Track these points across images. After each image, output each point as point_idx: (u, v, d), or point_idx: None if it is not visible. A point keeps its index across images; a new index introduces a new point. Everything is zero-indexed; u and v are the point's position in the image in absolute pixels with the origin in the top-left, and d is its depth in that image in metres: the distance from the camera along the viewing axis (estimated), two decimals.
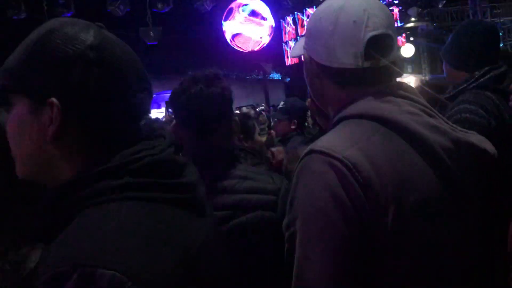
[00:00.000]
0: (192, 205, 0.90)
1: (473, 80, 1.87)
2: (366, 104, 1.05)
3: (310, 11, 18.06)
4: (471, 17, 14.14)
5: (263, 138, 5.88)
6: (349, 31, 1.06)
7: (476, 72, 1.89)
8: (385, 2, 14.09)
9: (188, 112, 1.61)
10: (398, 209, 0.94)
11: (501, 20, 15.91)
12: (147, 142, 0.90)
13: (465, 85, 1.90)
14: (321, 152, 0.99)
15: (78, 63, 0.83)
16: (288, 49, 20.46)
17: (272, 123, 4.31)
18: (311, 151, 1.02)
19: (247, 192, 1.52)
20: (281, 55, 20.87)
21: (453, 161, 1.01)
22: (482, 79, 1.86)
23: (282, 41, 20.24)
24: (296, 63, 20.28)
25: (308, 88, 1.24)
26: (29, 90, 0.85)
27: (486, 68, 1.88)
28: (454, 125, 1.08)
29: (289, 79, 24.58)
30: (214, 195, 1.49)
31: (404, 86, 1.12)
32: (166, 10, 11.72)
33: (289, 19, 19.48)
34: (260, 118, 8.54)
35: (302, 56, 1.24)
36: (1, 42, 14.51)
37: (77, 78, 0.83)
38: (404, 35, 15.99)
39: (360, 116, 1.04)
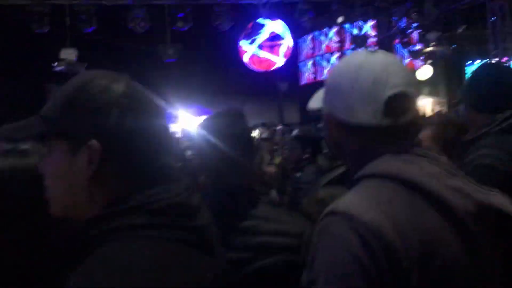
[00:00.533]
0: (202, 246, 0.97)
1: (495, 123, 1.84)
2: (387, 164, 1.05)
3: (328, 30, 18.18)
4: (490, 42, 14.08)
5: (276, 160, 5.84)
6: (369, 89, 1.07)
7: (499, 115, 1.86)
8: (404, 25, 14.13)
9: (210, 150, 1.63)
10: (421, 275, 0.93)
11: None
12: (165, 185, 0.97)
13: (487, 128, 1.87)
14: (343, 215, 1.00)
15: (114, 109, 0.94)
16: (305, 69, 20.56)
17: (284, 150, 4.26)
18: (333, 213, 1.04)
19: (270, 234, 1.49)
20: (296, 73, 20.98)
21: (476, 226, 1.00)
22: (505, 123, 1.83)
23: (298, 61, 20.35)
24: (312, 82, 20.36)
25: (328, 140, 1.25)
26: (70, 135, 0.95)
27: (509, 112, 1.86)
28: (477, 184, 1.07)
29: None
30: (236, 236, 1.48)
31: (424, 145, 1.14)
32: (186, 28, 11.87)
33: (307, 38, 19.61)
34: (275, 139, 8.50)
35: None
36: (24, 54, 14.85)
37: (113, 122, 0.94)
38: (422, 58, 15.95)
39: (381, 176, 1.04)
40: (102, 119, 0.93)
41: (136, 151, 0.96)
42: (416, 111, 1.12)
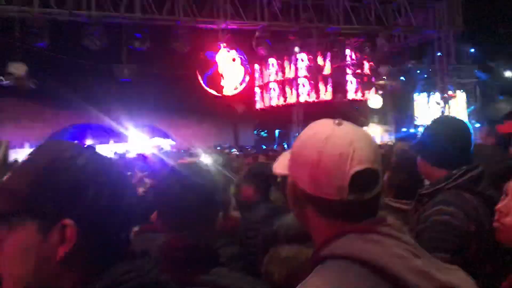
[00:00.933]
0: None
1: (451, 179, 1.86)
2: (353, 245, 1.04)
3: (284, 58, 18.52)
4: (437, 76, 14.78)
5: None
6: (335, 163, 1.06)
7: (454, 171, 1.88)
8: (357, 58, 14.64)
9: (164, 202, 1.54)
10: None
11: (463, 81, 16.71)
12: (133, 262, 0.93)
13: (443, 184, 1.88)
14: None
15: (90, 186, 0.90)
16: (260, 94, 20.78)
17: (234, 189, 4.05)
18: None
19: None
20: (252, 97, 21.16)
21: None
22: (460, 180, 1.85)
23: (255, 85, 20.57)
24: (267, 107, 20.59)
25: (291, 209, 1.22)
26: (40, 213, 0.88)
27: (464, 168, 1.88)
28: (438, 263, 1.08)
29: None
30: None
31: (389, 223, 1.11)
32: (143, 48, 11.74)
33: (264, 64, 19.88)
34: (235, 164, 8.42)
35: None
36: None
37: (89, 200, 0.89)
38: (374, 88, 16.54)
39: (346, 258, 1.04)
40: (78, 197, 0.88)
41: (109, 227, 0.92)
42: (380, 186, 1.11)
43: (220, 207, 1.63)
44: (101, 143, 15.95)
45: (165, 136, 19.88)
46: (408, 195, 2.35)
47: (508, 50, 19.22)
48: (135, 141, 16.44)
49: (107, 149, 14.70)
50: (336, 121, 1.15)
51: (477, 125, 15.73)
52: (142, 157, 11.56)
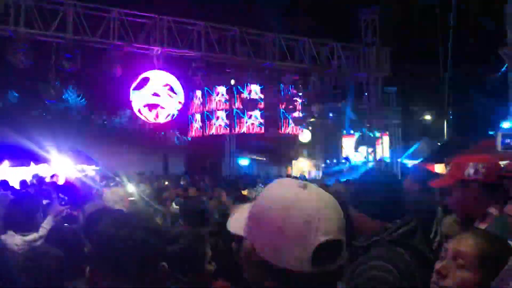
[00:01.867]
0: None
1: (385, 233, 1.85)
2: None
3: (219, 88, 18.65)
4: (367, 115, 15.49)
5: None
6: (299, 232, 0.99)
7: (389, 225, 1.86)
8: (289, 93, 15.03)
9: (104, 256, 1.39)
10: None
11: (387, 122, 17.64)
12: None
13: (377, 237, 1.85)
14: None
15: None
16: (194, 122, 20.64)
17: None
18: None
19: None
20: (185, 125, 20.98)
21: None
22: (395, 234, 1.84)
23: (188, 113, 20.44)
24: (199, 137, 20.47)
25: (246, 273, 1.10)
26: None
27: (398, 222, 1.87)
28: None
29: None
30: None
31: None
32: (73, 69, 11.29)
33: (198, 93, 19.85)
34: (165, 194, 8.14)
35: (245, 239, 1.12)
36: None
37: None
38: (305, 124, 17.00)
39: None
40: None
41: None
42: (344, 257, 1.04)
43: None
44: (20, 165, 14.93)
45: (90, 161, 19.03)
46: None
47: (427, 95, 20.67)
48: (58, 165, 15.56)
49: (26, 172, 13.76)
50: (301, 184, 1.06)
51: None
52: (66, 182, 10.95)
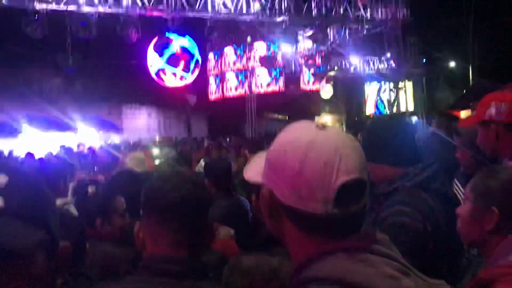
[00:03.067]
0: None
1: (407, 178, 1.82)
2: (341, 266, 0.94)
3: (233, 48, 18.40)
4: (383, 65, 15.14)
5: None
6: (319, 173, 0.95)
7: (410, 169, 1.84)
8: (309, 49, 14.74)
9: None
10: None
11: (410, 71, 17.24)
12: None
13: (400, 182, 1.83)
14: None
15: None
16: (213, 83, 20.56)
17: None
18: None
19: None
20: (205, 88, 20.93)
21: None
22: (416, 178, 1.82)
23: (207, 75, 20.33)
24: (220, 99, 20.43)
25: (266, 222, 1.07)
26: None
27: (420, 165, 1.85)
28: (427, 281, 1.02)
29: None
30: None
31: (377, 238, 1.01)
32: (88, 37, 11.28)
33: (212, 55, 19.67)
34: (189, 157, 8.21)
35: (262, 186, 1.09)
36: None
37: None
38: (325, 78, 16.74)
39: (335, 282, 0.93)
40: None
41: None
42: (367, 197, 1.01)
43: None
44: (47, 130, 15.29)
45: (114, 128, 19.31)
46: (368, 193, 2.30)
47: (451, 42, 19.98)
48: (83, 133, 15.87)
49: (54, 141, 14.10)
50: (319, 125, 1.02)
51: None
52: (91, 151, 11.19)
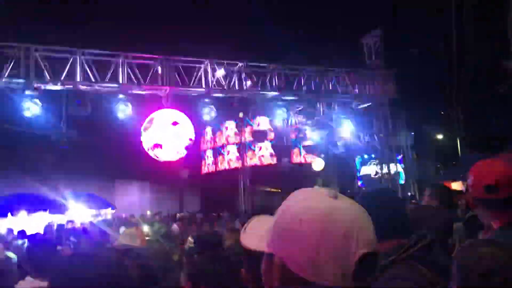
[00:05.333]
0: None
1: (402, 250, 1.77)
2: None
3: (228, 123, 18.75)
4: (373, 139, 15.38)
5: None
6: (338, 245, 0.91)
7: (404, 241, 1.81)
8: (298, 122, 15.06)
9: None
10: None
11: (399, 145, 17.56)
12: None
13: (395, 256, 1.78)
14: None
15: None
16: (206, 158, 20.68)
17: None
18: None
19: None
20: (198, 162, 21.00)
21: None
22: (412, 250, 1.78)
23: (200, 149, 20.49)
24: (212, 172, 20.44)
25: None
26: None
27: (414, 237, 1.82)
28: None
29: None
30: None
31: None
32: (84, 114, 11.47)
33: (208, 129, 19.95)
34: (174, 234, 8.11)
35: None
36: None
37: None
38: (315, 152, 16.94)
39: None
40: None
41: None
42: (378, 269, 0.99)
43: None
44: (36, 212, 15.05)
45: (106, 204, 19.08)
46: None
47: (438, 115, 20.54)
48: (74, 211, 15.63)
49: (43, 219, 13.86)
50: (331, 193, 0.99)
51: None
52: (82, 228, 10.98)
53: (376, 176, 17.27)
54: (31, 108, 10.88)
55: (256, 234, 1.07)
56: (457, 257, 1.63)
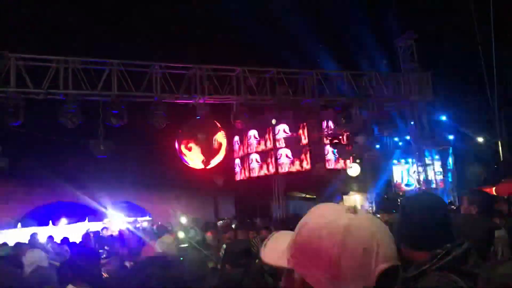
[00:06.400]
0: None
1: (435, 260, 1.74)
2: None
3: (252, 132, 18.78)
4: (411, 144, 15.05)
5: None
6: (359, 261, 0.92)
7: (438, 251, 1.76)
8: (334, 128, 14.92)
9: None
10: None
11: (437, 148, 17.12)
12: None
13: (427, 265, 1.75)
14: None
15: None
16: (239, 166, 20.77)
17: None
18: None
19: None
20: (231, 169, 21.12)
21: None
22: (444, 260, 1.74)
23: (233, 157, 20.62)
24: (246, 179, 20.50)
25: None
26: None
27: (448, 246, 1.77)
28: None
29: None
30: None
31: None
32: (119, 125, 11.70)
33: (241, 137, 20.07)
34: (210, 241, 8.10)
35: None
36: None
37: None
38: (352, 157, 16.73)
39: None
40: None
41: None
42: (400, 283, 0.99)
43: None
44: (76, 221, 15.49)
45: (143, 212, 19.45)
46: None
47: (478, 118, 19.91)
48: (112, 219, 16.00)
49: (82, 228, 14.24)
50: (350, 209, 1.00)
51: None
52: (119, 235, 11.21)
53: (413, 182, 16.89)
54: (70, 118, 11.18)
55: (276, 249, 1.06)
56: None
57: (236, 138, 20.31)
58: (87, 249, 6.24)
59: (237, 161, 20.99)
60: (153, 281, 2.55)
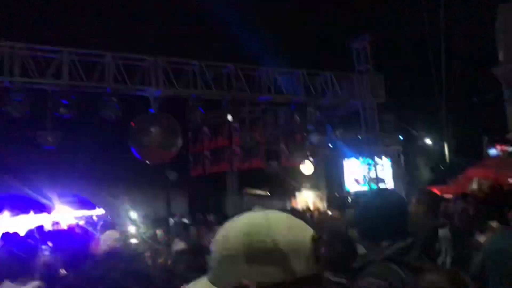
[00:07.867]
0: None
1: (379, 251, 1.88)
2: None
3: (208, 127, 18.68)
4: (364, 143, 15.45)
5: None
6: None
7: (384, 243, 1.89)
8: (288, 127, 15.06)
9: None
10: None
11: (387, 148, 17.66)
12: None
13: (372, 257, 1.89)
14: None
15: None
16: (193, 161, 20.61)
17: None
18: None
19: None
20: (185, 163, 20.95)
21: None
22: (388, 251, 1.86)
23: (187, 151, 20.43)
24: (200, 175, 20.38)
25: None
26: None
27: (391, 240, 1.89)
28: None
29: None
30: None
31: None
32: (69, 115, 11.33)
33: (197, 132, 19.92)
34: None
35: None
36: None
37: None
38: (305, 155, 16.97)
39: None
40: None
41: None
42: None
43: None
44: (19, 214, 14.87)
45: (92, 206, 18.95)
46: (346, 268, 2.32)
47: (426, 120, 20.71)
48: (59, 212, 15.48)
49: (27, 221, 13.68)
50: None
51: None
52: (68, 229, 10.86)
53: (364, 180, 17.35)
54: (16, 108, 10.72)
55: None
56: None
57: (190, 133, 20.14)
58: (25, 244, 5.99)
59: (191, 156, 20.82)
60: (117, 275, 2.48)
